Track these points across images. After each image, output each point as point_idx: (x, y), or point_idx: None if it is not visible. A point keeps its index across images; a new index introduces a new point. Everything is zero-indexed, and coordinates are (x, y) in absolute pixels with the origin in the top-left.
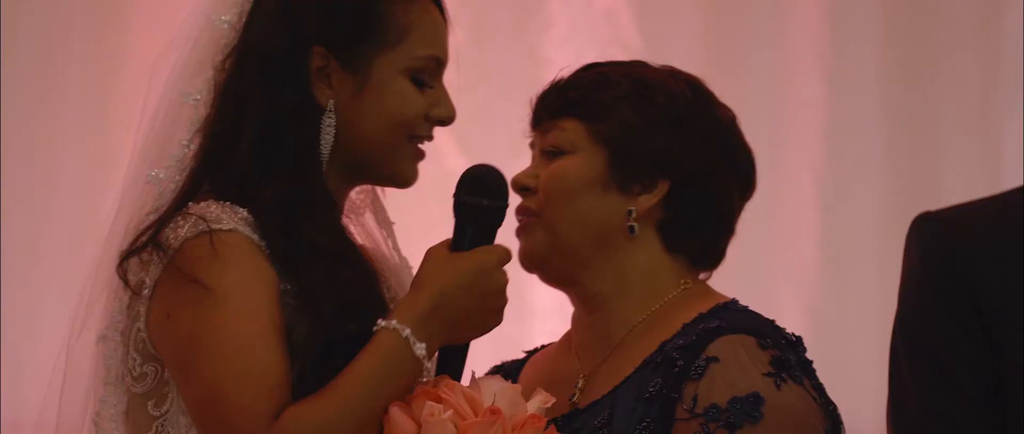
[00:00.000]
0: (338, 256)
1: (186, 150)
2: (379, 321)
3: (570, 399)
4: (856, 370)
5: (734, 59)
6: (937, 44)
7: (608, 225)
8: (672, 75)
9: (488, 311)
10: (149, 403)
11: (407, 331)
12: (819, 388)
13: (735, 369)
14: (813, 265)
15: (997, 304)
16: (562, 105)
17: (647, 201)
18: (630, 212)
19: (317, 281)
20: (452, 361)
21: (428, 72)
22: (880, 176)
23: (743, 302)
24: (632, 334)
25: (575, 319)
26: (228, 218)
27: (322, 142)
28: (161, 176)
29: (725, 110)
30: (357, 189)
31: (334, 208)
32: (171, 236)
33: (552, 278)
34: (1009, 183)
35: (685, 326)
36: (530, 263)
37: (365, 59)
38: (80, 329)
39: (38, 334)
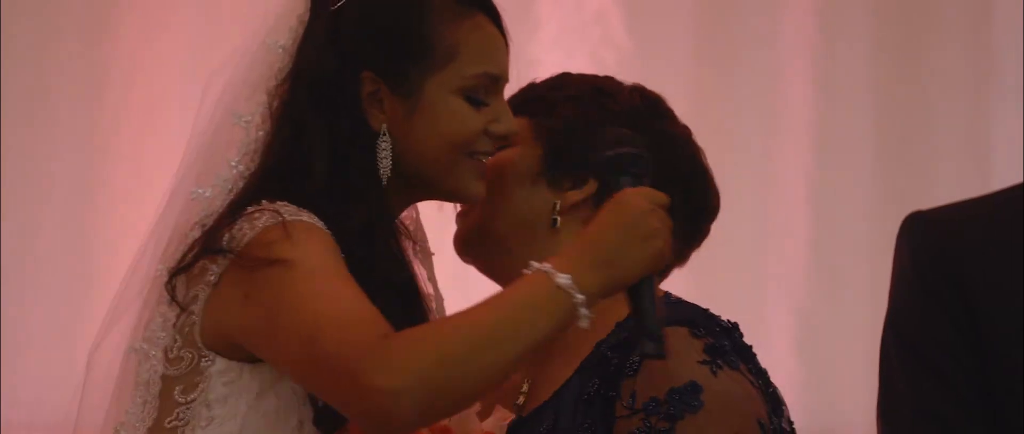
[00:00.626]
0: (401, 292)
1: (234, 171)
2: (531, 264)
3: (515, 405)
4: (846, 370)
5: (725, 59)
6: (928, 44)
7: (532, 216)
8: (634, 88)
9: (641, 237)
10: (177, 388)
11: (564, 278)
12: (757, 372)
13: (670, 361)
14: (803, 265)
15: (989, 304)
16: (519, 103)
17: (573, 196)
18: (554, 205)
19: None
20: (640, 302)
21: (482, 89)
22: (871, 176)
23: (733, 303)
24: (568, 334)
25: None
26: (306, 216)
27: (381, 167)
28: (208, 195)
29: (680, 128)
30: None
31: (397, 233)
32: (239, 233)
33: (481, 266)
34: (999, 183)
35: (618, 324)
36: (458, 247)
37: (415, 82)
38: (103, 338)
39: (31, 334)
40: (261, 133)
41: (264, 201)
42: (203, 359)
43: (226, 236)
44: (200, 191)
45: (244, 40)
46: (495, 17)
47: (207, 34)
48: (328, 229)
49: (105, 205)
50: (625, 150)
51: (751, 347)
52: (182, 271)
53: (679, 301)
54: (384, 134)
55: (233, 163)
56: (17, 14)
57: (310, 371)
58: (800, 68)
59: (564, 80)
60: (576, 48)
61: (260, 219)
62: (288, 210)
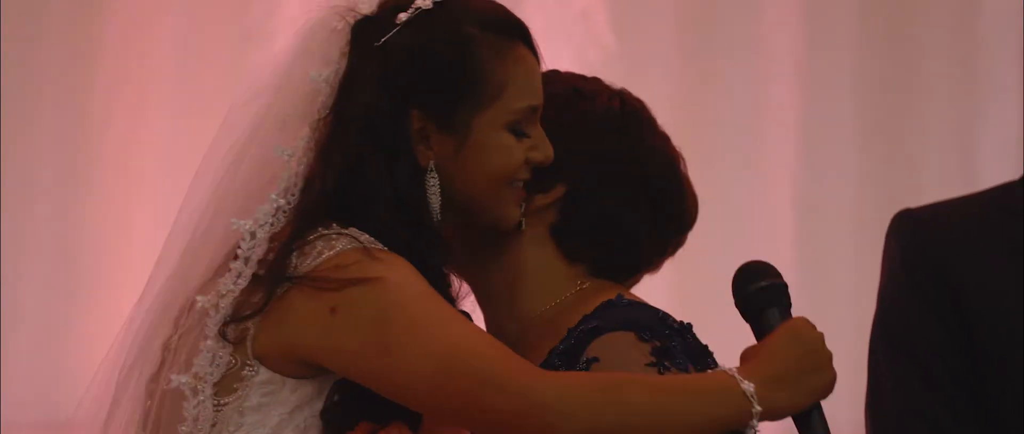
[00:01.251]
0: None
1: (276, 204)
2: (719, 366)
3: None
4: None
5: (709, 60)
6: (912, 45)
7: None
8: (615, 93)
9: (815, 367)
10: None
11: (749, 385)
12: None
13: (616, 366)
14: (788, 266)
15: (978, 303)
16: None
17: (539, 200)
18: (520, 207)
19: None
20: (812, 428)
21: (525, 121)
22: (855, 177)
23: (718, 304)
24: (529, 335)
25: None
26: (381, 245)
27: (431, 203)
28: (249, 227)
29: (657, 138)
30: None
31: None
32: (312, 253)
33: (453, 267)
34: (984, 184)
35: (569, 331)
36: None
37: (463, 119)
38: (127, 371)
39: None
40: (301, 167)
41: (334, 225)
42: (247, 367)
43: (292, 263)
44: (241, 223)
45: (270, 70)
46: (531, 43)
47: (191, 41)
48: None
49: (90, 206)
50: (770, 283)
51: (707, 347)
52: (253, 317)
53: (631, 303)
54: (432, 170)
55: (274, 196)
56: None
57: (446, 389)
58: (785, 68)
59: (548, 77)
60: (560, 47)
61: (338, 241)
62: (365, 237)
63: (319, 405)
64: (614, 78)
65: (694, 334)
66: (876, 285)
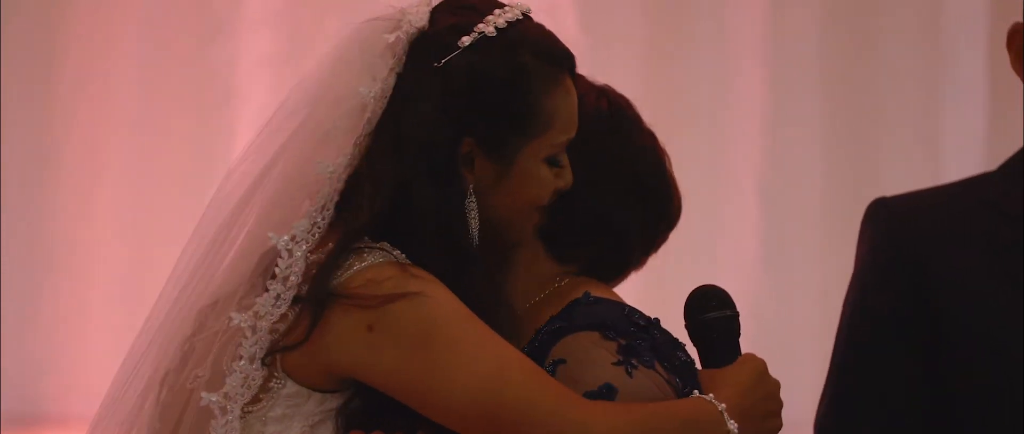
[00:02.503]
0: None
1: (314, 220)
2: (693, 392)
3: None
4: (797, 362)
5: (675, 55)
6: (877, 40)
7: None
8: (601, 91)
9: (770, 413)
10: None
11: (722, 406)
12: (676, 369)
13: (583, 366)
14: (753, 259)
15: (947, 293)
16: None
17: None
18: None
19: None
20: None
21: (561, 152)
22: (820, 171)
23: (683, 296)
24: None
25: None
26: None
27: (471, 227)
28: (285, 243)
29: (645, 137)
30: None
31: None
32: (346, 266)
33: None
34: (949, 176)
35: (537, 332)
36: None
37: (511, 149)
38: (142, 367)
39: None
40: (340, 184)
41: (366, 238)
42: (275, 379)
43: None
44: (278, 238)
45: (308, 81)
46: (575, 73)
47: (155, 37)
48: None
49: (57, 202)
50: (732, 313)
51: (677, 340)
52: (296, 347)
53: (598, 300)
54: (470, 196)
55: (313, 211)
56: None
57: (486, 411)
58: (751, 64)
59: None
60: None
61: (369, 254)
62: (397, 252)
63: (340, 420)
64: (580, 72)
65: (662, 328)
66: (841, 278)
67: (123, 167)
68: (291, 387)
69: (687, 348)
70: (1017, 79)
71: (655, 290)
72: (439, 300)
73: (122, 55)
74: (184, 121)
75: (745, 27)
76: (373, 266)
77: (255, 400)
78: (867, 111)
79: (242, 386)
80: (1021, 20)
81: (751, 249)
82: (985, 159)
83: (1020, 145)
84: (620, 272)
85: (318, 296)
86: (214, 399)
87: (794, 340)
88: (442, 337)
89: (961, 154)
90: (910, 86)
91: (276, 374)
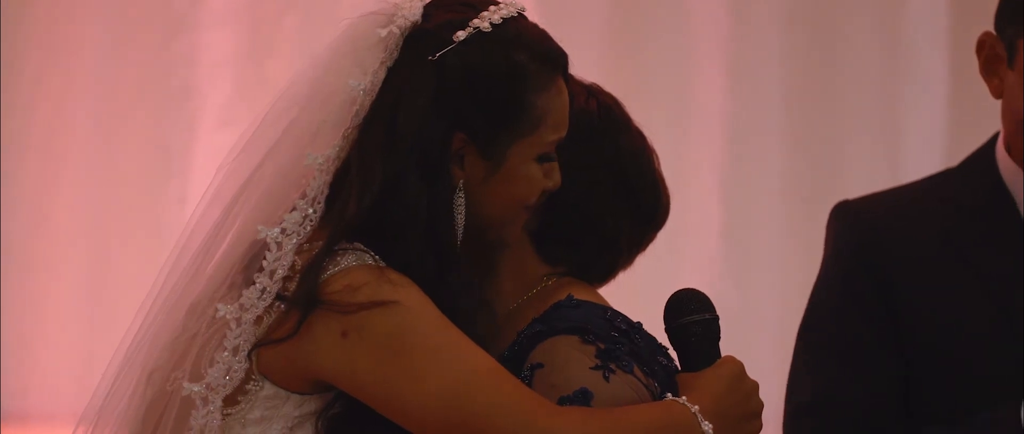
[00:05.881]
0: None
1: (304, 213)
2: (666, 395)
3: None
4: (757, 359)
5: (636, 49)
6: (839, 37)
7: None
8: (590, 91)
9: (748, 414)
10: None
11: (696, 408)
12: (655, 373)
13: (561, 370)
14: (714, 256)
15: (909, 291)
16: None
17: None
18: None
19: None
20: None
21: (551, 151)
22: (781, 167)
23: (645, 294)
24: (500, 330)
25: None
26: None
27: (457, 223)
28: (275, 236)
29: (633, 137)
30: None
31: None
32: (322, 271)
33: None
34: (909, 175)
35: (519, 334)
36: None
37: (502, 147)
38: (129, 366)
39: None
40: (328, 177)
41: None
42: (252, 381)
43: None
44: (268, 231)
45: (302, 77)
46: (567, 74)
47: (116, 30)
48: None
49: (15, 192)
50: (711, 317)
51: (661, 345)
52: (284, 341)
53: (579, 304)
54: (460, 190)
55: (302, 204)
56: None
57: (457, 419)
58: (711, 58)
59: None
60: None
61: (342, 256)
62: (370, 254)
63: (318, 422)
64: None
65: (645, 333)
66: (802, 276)
67: (82, 164)
68: (269, 389)
69: (669, 352)
70: (977, 78)
71: (614, 286)
72: (413, 307)
73: (82, 52)
74: (144, 118)
75: (706, 27)
76: (350, 270)
77: (234, 402)
78: (828, 110)
79: (224, 376)
80: (989, 29)
81: (711, 244)
82: (945, 158)
83: (980, 144)
84: (609, 272)
85: (304, 298)
86: (196, 389)
87: (755, 335)
88: (414, 345)
89: (921, 153)
90: (871, 85)
91: (253, 376)
